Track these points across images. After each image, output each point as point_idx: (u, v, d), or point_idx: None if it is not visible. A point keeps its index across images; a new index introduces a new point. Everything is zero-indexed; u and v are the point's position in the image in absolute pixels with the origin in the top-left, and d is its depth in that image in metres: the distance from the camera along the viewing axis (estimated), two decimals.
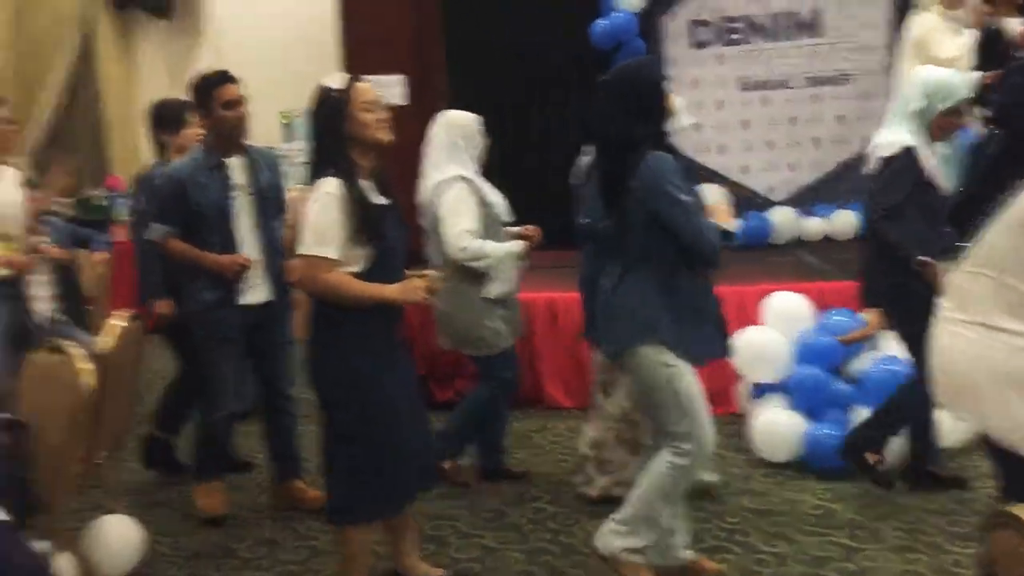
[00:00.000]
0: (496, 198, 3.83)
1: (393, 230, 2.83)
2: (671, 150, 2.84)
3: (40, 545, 2.59)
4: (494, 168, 3.95)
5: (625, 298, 2.84)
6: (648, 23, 6.92)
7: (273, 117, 7.47)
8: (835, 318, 4.46)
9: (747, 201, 7.05)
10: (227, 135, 3.59)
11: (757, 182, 7.14)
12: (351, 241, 2.71)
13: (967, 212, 2.40)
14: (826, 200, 6.95)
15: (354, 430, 2.79)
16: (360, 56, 7.13)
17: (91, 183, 8.20)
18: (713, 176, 7.11)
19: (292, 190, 4.08)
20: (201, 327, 3.66)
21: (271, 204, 3.71)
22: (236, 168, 3.62)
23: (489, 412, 3.96)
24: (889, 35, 6.83)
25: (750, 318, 4.54)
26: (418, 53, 7.16)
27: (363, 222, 2.71)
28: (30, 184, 4.19)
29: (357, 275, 2.73)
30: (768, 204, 7.03)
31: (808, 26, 6.96)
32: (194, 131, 3.97)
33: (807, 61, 6.96)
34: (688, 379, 2.82)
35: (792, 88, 7.02)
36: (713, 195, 6.91)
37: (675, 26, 7.11)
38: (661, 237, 2.76)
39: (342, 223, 2.69)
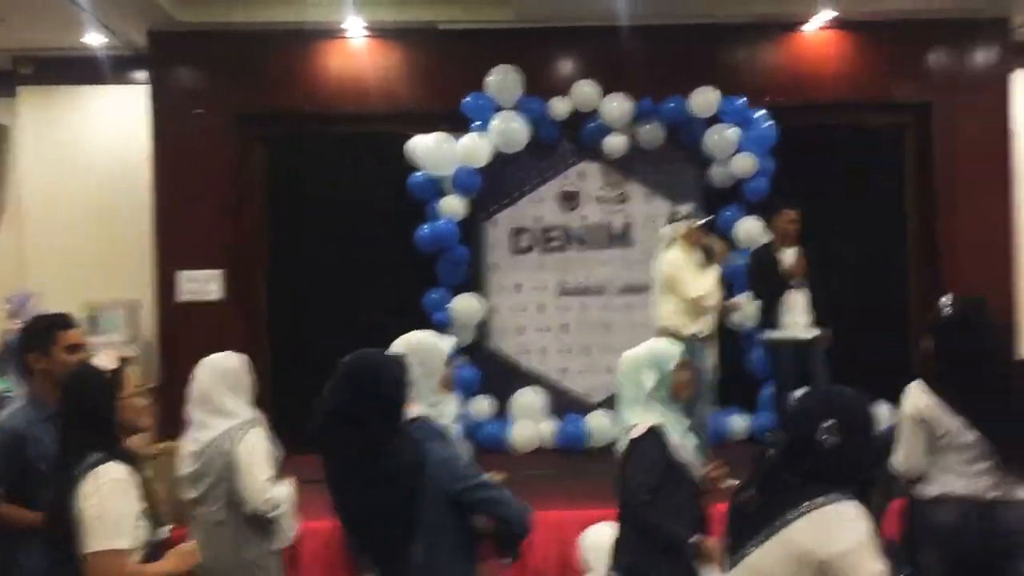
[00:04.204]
0: (273, 443, 3.67)
1: None
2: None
3: None
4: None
5: None
6: (470, 229, 7.12)
7: (74, 308, 7.02)
8: None
9: (567, 404, 7.17)
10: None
11: (576, 385, 7.29)
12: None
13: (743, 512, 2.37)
14: None
15: None
16: (174, 248, 6.94)
17: None
18: (534, 378, 7.21)
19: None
20: None
21: None
22: None
23: None
24: None
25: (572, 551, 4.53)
26: (237, 250, 7.03)
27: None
28: None
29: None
30: (588, 408, 7.16)
31: (619, 237, 7.35)
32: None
33: (620, 270, 7.31)
34: None
35: (607, 295, 7.32)
36: (532, 399, 7.04)
37: (497, 233, 7.33)
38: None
39: (134, 510, 2.63)
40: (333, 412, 2.62)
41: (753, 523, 2.25)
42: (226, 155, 7.07)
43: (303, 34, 7.02)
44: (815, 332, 6.12)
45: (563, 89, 7.01)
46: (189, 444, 3.53)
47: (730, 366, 7.14)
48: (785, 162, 7.05)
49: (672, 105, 7.00)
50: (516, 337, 7.33)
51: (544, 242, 7.34)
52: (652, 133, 7.10)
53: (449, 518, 2.64)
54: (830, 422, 2.23)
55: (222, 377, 3.54)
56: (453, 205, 6.85)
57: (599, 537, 4.56)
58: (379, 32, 7.09)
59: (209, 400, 3.51)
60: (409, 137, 6.81)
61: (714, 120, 7.02)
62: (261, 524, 3.49)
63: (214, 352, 3.64)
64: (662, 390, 3.31)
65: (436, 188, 6.89)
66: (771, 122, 7.03)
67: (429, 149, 6.76)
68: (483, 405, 7.01)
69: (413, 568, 2.61)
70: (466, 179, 6.82)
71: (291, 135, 7.34)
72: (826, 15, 7.13)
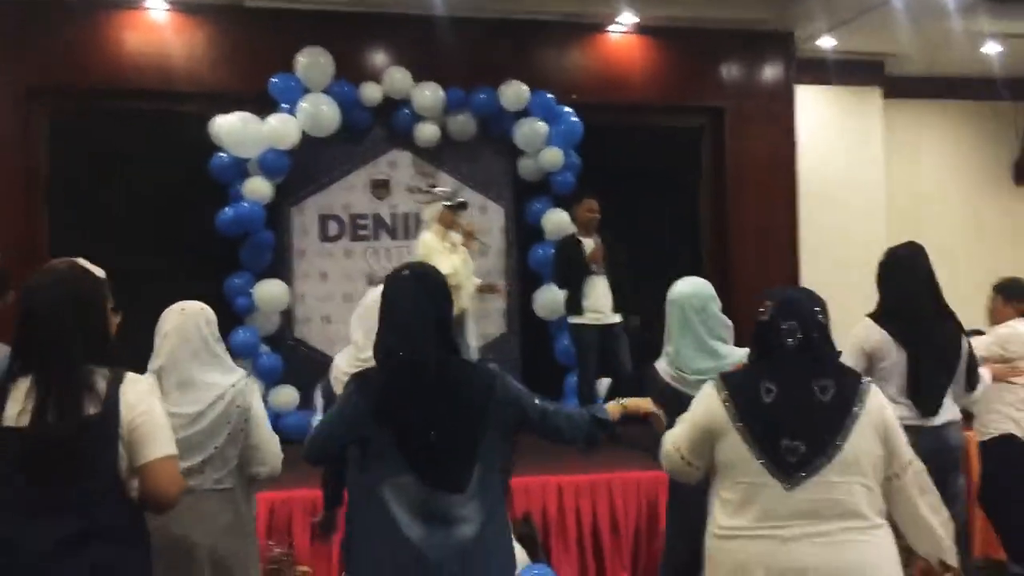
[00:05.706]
0: None
1: None
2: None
3: None
4: None
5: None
6: (276, 214, 6.93)
7: None
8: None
9: None
10: None
11: None
12: None
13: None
14: None
15: None
16: None
17: None
18: None
19: None
20: None
21: None
22: None
23: None
24: (505, 238, 7.44)
25: None
26: (15, 231, 6.54)
27: None
28: None
29: None
30: None
31: None
32: None
33: None
34: None
35: None
36: None
37: (304, 219, 7.16)
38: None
39: None
40: (412, 322, 2.56)
41: (829, 411, 2.40)
42: (9, 130, 6.58)
43: (99, 4, 6.66)
44: (617, 317, 6.33)
45: (374, 75, 6.98)
46: (183, 404, 2.95)
47: (536, 356, 7.32)
48: (590, 158, 7.28)
49: (483, 97, 7.09)
50: (322, 326, 7.18)
51: (353, 230, 7.24)
52: (463, 124, 7.16)
53: (503, 442, 2.61)
54: (818, 307, 2.52)
55: (211, 326, 3.11)
56: (259, 188, 6.64)
57: None
58: (182, 6, 6.82)
59: (207, 351, 3.05)
60: (212, 117, 6.56)
61: (523, 114, 7.16)
62: (250, 492, 3.15)
63: None
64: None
65: (240, 170, 6.66)
66: (577, 119, 7.25)
67: (234, 129, 6.52)
68: (287, 395, 6.79)
69: (469, 490, 2.48)
70: (273, 162, 6.63)
71: (83, 111, 6.91)
72: (629, 18, 7.46)
